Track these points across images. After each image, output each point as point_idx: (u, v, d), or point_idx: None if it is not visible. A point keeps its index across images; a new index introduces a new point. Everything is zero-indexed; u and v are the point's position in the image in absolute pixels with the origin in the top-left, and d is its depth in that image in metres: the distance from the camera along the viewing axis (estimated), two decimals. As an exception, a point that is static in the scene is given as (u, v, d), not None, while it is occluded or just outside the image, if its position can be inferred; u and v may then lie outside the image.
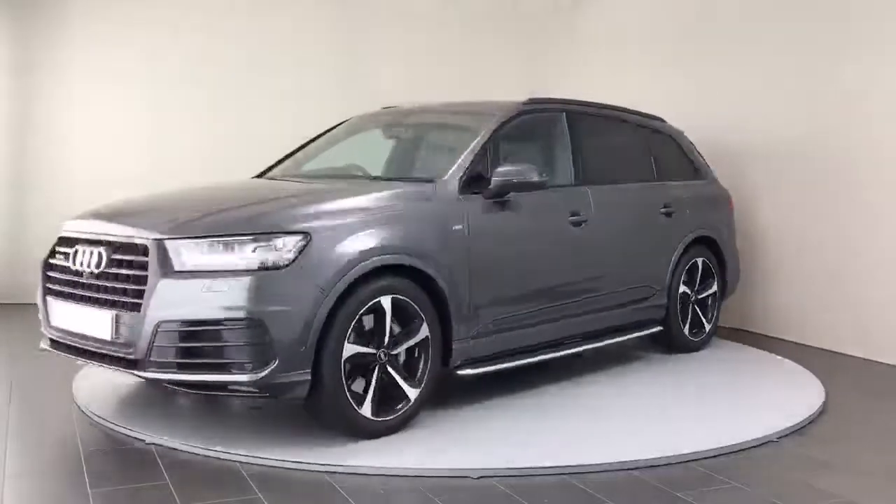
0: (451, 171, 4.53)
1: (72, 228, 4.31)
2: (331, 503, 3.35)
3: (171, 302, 3.68)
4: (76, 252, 4.11)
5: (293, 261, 3.73)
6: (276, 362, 3.67)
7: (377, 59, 8.54)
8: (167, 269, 3.72)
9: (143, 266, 3.78)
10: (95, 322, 3.91)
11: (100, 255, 3.98)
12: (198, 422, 4.31)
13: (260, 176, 5.51)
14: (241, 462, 3.75)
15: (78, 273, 4.06)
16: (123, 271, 3.87)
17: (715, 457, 3.90)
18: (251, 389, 3.76)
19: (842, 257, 6.25)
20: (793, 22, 6.61)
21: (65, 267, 4.18)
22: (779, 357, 5.97)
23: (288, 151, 5.88)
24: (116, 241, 3.97)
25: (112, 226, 4.09)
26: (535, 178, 4.55)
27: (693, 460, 3.84)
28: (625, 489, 3.51)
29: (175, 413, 4.48)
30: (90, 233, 4.15)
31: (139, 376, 3.84)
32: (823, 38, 6.36)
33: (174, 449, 3.91)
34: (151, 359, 3.72)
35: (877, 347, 5.99)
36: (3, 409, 4.58)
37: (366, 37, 8.62)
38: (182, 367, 3.72)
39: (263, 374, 3.66)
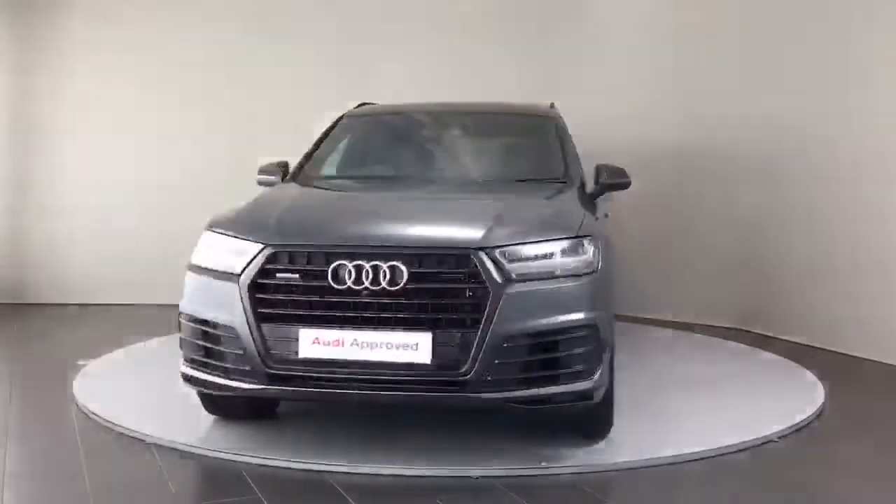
0: (581, 174, 4.80)
1: (315, 242, 3.66)
2: (331, 503, 3.35)
3: (513, 314, 3.44)
4: (338, 268, 3.50)
5: (599, 265, 3.70)
6: (602, 367, 3.61)
7: (377, 59, 8.54)
8: (505, 280, 3.47)
9: (467, 278, 3.48)
10: (403, 346, 3.45)
11: (393, 269, 3.47)
12: (198, 422, 4.30)
13: (292, 179, 5.00)
14: (241, 462, 3.74)
15: (352, 292, 3.49)
16: (438, 286, 3.49)
17: (715, 457, 3.90)
18: (578, 399, 3.59)
19: (841, 257, 6.25)
20: (792, 23, 6.60)
21: (315, 287, 3.54)
22: (779, 357, 5.97)
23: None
24: (420, 253, 3.53)
25: (404, 236, 3.70)
26: (628, 178, 4.76)
27: (693, 460, 3.84)
28: (625, 489, 3.51)
29: (175, 413, 4.47)
30: (365, 246, 3.58)
31: (468, 401, 3.48)
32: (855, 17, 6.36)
33: (174, 449, 3.91)
34: (489, 378, 3.42)
35: (877, 347, 5.99)
36: (3, 409, 4.58)
37: (366, 37, 8.61)
38: (522, 383, 3.48)
39: (594, 379, 3.57)
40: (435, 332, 3.43)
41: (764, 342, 6.54)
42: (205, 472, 3.68)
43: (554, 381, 3.52)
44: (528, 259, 3.57)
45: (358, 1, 8.59)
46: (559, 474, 3.65)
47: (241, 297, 3.57)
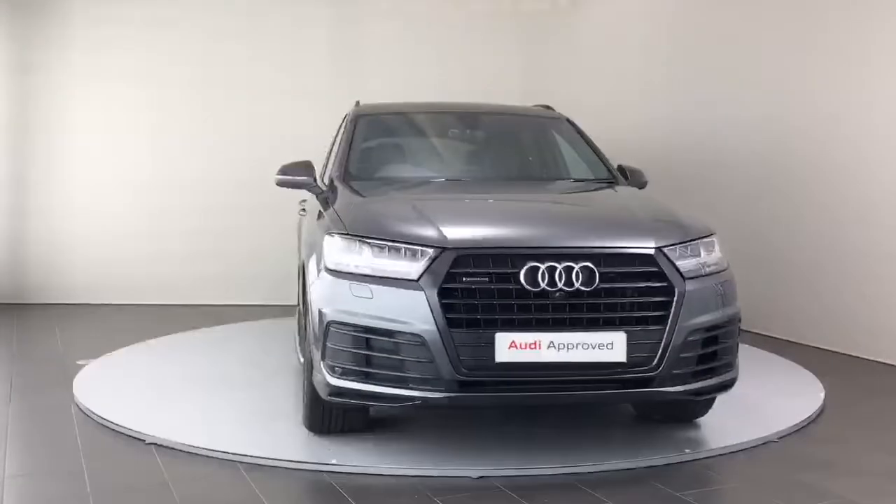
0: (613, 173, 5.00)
1: (503, 245, 3.65)
2: (331, 503, 3.35)
3: (691, 310, 3.63)
4: (531, 270, 3.49)
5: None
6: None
7: (377, 59, 8.54)
8: (682, 278, 3.65)
9: (653, 277, 3.61)
10: (599, 345, 3.49)
11: (586, 270, 3.51)
12: (198, 421, 4.31)
13: (342, 180, 4.77)
14: (241, 462, 3.74)
15: (545, 294, 3.49)
16: (627, 285, 3.59)
17: (715, 457, 3.90)
18: (727, 387, 3.90)
19: (841, 257, 6.25)
20: (798, 22, 6.60)
21: (508, 290, 3.50)
22: (779, 357, 5.96)
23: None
24: (608, 253, 3.61)
25: (589, 237, 3.74)
26: (646, 179, 5.10)
27: (693, 460, 3.84)
28: (625, 489, 3.51)
29: (175, 413, 4.47)
30: (556, 247, 3.61)
31: (653, 396, 3.68)
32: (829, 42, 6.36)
33: (174, 449, 3.91)
34: (674, 373, 3.60)
35: (877, 347, 5.99)
36: (3, 409, 4.58)
37: (366, 36, 8.61)
38: (696, 376, 3.70)
39: (737, 367, 3.91)
40: (628, 330, 3.52)
41: (764, 342, 6.53)
42: (205, 472, 3.68)
43: (716, 372, 3.79)
44: (691, 257, 3.77)
45: (358, 1, 8.60)
46: (556, 474, 3.65)
47: (429, 304, 3.45)
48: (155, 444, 3.97)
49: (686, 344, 3.60)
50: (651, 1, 8.08)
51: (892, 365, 5.84)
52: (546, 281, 3.48)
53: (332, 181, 4.77)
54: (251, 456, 3.78)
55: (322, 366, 3.64)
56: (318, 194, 4.77)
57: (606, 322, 3.53)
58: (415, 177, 5.08)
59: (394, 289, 3.54)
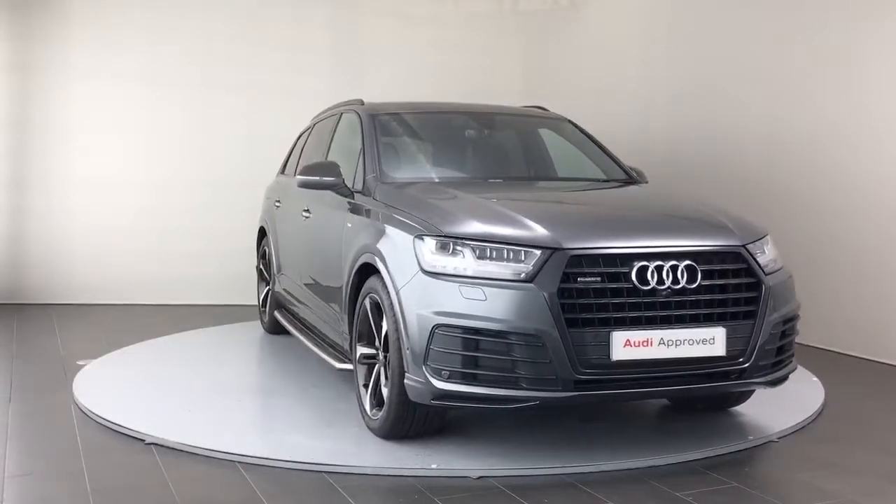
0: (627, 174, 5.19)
1: (616, 245, 3.67)
2: (331, 503, 3.35)
3: (774, 304, 3.84)
4: (642, 269, 3.59)
5: None
6: None
7: (377, 59, 8.55)
8: (765, 273, 3.86)
9: (744, 273, 3.79)
10: (702, 340, 3.63)
11: (689, 268, 3.64)
12: (198, 422, 4.31)
13: (377, 181, 4.66)
14: (241, 462, 3.75)
15: (655, 292, 3.59)
16: (724, 281, 3.74)
17: (715, 457, 3.90)
18: (786, 378, 4.09)
19: (842, 257, 6.25)
20: (798, 22, 6.60)
21: (621, 289, 3.57)
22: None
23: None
24: (706, 251, 3.75)
25: (688, 236, 3.86)
26: (647, 180, 5.25)
27: (693, 460, 3.84)
28: (625, 489, 3.51)
29: (176, 413, 4.47)
30: (664, 246, 3.70)
31: (741, 386, 3.90)
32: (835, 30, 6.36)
33: (174, 449, 3.91)
34: (760, 364, 3.80)
35: (877, 347, 5.99)
36: (3, 409, 4.58)
37: (366, 36, 8.62)
38: (775, 366, 3.92)
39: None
40: (726, 325, 3.68)
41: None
42: (205, 472, 3.68)
43: (785, 362, 4.01)
44: (765, 253, 3.98)
45: (358, 1, 8.61)
46: (556, 474, 3.65)
47: (548, 304, 3.47)
48: (155, 444, 3.97)
49: (770, 336, 3.81)
50: (651, 1, 8.08)
51: (892, 365, 5.84)
52: (655, 279, 3.59)
53: (366, 182, 4.65)
54: (251, 456, 3.78)
55: (425, 370, 3.59)
56: (347, 196, 4.71)
57: (707, 318, 3.68)
58: (454, 177, 4.97)
59: (507, 290, 3.54)
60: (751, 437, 4.13)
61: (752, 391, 4.35)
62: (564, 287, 3.52)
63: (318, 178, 4.75)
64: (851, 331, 6.18)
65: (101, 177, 7.91)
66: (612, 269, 3.59)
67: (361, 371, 4.25)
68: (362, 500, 3.38)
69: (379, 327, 4.04)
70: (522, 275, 3.56)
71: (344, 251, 4.57)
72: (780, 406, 4.68)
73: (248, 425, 4.44)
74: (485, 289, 3.55)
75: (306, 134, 6.41)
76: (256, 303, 6.95)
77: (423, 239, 3.76)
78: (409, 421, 3.89)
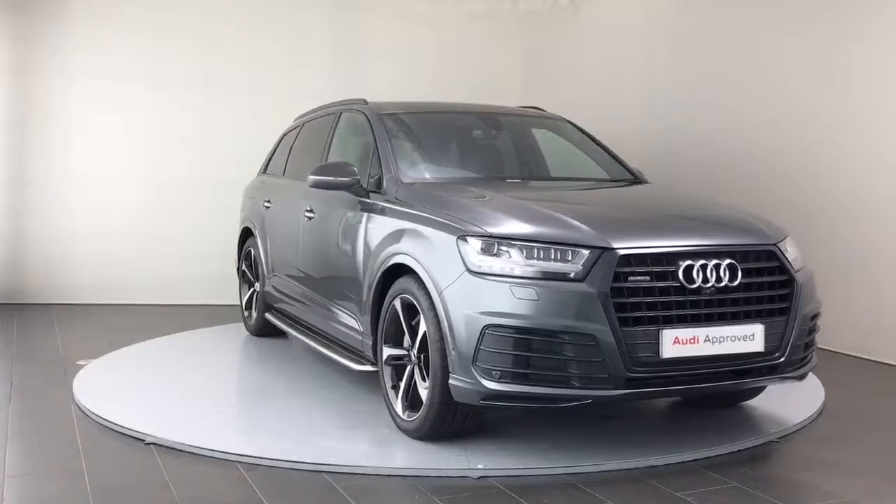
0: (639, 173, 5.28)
1: (663, 244, 3.72)
2: (331, 503, 3.35)
3: (805, 300, 3.96)
4: (688, 268, 3.64)
5: None
6: None
7: (377, 58, 8.55)
8: (795, 270, 3.96)
9: (778, 270, 3.90)
10: (743, 337, 3.73)
11: (731, 267, 3.71)
12: (198, 421, 4.31)
13: (393, 182, 4.58)
14: (241, 462, 3.75)
15: (700, 290, 3.66)
16: (761, 279, 3.84)
17: (715, 457, 3.90)
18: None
19: (840, 256, 6.25)
20: (799, 22, 6.60)
21: (669, 287, 3.62)
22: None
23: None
24: (745, 250, 3.83)
25: (728, 235, 3.92)
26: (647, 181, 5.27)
27: (693, 460, 3.84)
28: (625, 489, 3.51)
29: (175, 413, 4.47)
30: (709, 245, 3.78)
31: (776, 379, 3.96)
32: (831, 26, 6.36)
33: (174, 449, 3.91)
34: (792, 359, 3.90)
35: (876, 347, 5.99)
36: (3, 409, 4.58)
37: (366, 36, 8.62)
38: (803, 361, 4.03)
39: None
40: (764, 321, 3.79)
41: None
42: (205, 472, 3.68)
43: (810, 357, 4.11)
44: (792, 251, 4.07)
45: (358, 1, 8.61)
46: (556, 474, 3.65)
47: (601, 303, 3.49)
48: (155, 444, 3.97)
49: (800, 332, 3.91)
50: (651, 1, 8.08)
51: (892, 365, 5.84)
52: (700, 278, 3.66)
53: (383, 182, 4.58)
54: (251, 456, 3.78)
55: (474, 370, 3.57)
56: (361, 195, 4.68)
57: (747, 315, 3.77)
58: (471, 177, 4.91)
59: (559, 290, 3.55)
60: (751, 437, 4.12)
61: (764, 387, 4.41)
62: (615, 286, 3.54)
63: (332, 178, 4.71)
64: (851, 331, 6.18)
65: (101, 177, 7.91)
66: (660, 269, 3.63)
67: (388, 373, 4.21)
68: (362, 500, 3.38)
69: (411, 328, 4.01)
70: (572, 274, 3.57)
71: (362, 252, 4.52)
72: (781, 406, 4.68)
73: (249, 425, 4.44)
74: (537, 289, 3.55)
75: (293, 133, 6.36)
76: (239, 305, 6.72)
77: (466, 240, 3.74)
78: (448, 422, 3.87)
